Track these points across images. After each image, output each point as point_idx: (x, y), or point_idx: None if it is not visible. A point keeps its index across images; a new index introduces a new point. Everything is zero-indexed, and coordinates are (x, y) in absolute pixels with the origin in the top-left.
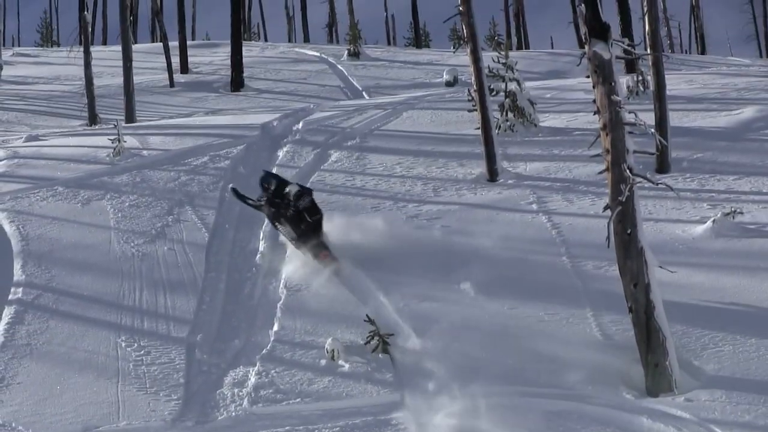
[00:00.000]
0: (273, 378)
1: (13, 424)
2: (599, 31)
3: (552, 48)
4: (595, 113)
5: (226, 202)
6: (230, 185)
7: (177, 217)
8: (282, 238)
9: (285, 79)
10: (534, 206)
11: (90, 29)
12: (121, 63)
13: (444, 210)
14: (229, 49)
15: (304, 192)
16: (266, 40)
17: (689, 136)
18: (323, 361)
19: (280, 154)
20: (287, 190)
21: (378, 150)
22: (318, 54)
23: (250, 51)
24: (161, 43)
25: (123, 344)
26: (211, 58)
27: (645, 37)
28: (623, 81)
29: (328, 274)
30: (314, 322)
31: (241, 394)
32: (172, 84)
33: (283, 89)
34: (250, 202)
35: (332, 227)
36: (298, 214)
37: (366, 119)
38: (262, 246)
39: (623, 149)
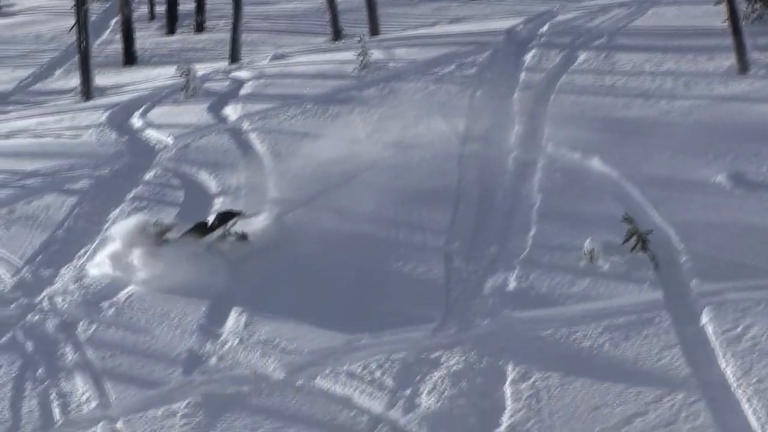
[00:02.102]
0: (533, 282)
1: None
2: None
3: None
4: None
5: (474, 109)
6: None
7: (427, 126)
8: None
9: None
10: None
11: None
12: None
13: (696, 104)
14: None
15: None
16: None
17: None
18: (582, 263)
19: (527, 58)
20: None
21: (625, 48)
22: None
23: None
24: None
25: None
26: None
27: None
28: None
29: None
30: (571, 223)
31: (502, 299)
32: None
33: None
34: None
35: None
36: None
37: (611, 18)
38: (514, 151)
39: None
